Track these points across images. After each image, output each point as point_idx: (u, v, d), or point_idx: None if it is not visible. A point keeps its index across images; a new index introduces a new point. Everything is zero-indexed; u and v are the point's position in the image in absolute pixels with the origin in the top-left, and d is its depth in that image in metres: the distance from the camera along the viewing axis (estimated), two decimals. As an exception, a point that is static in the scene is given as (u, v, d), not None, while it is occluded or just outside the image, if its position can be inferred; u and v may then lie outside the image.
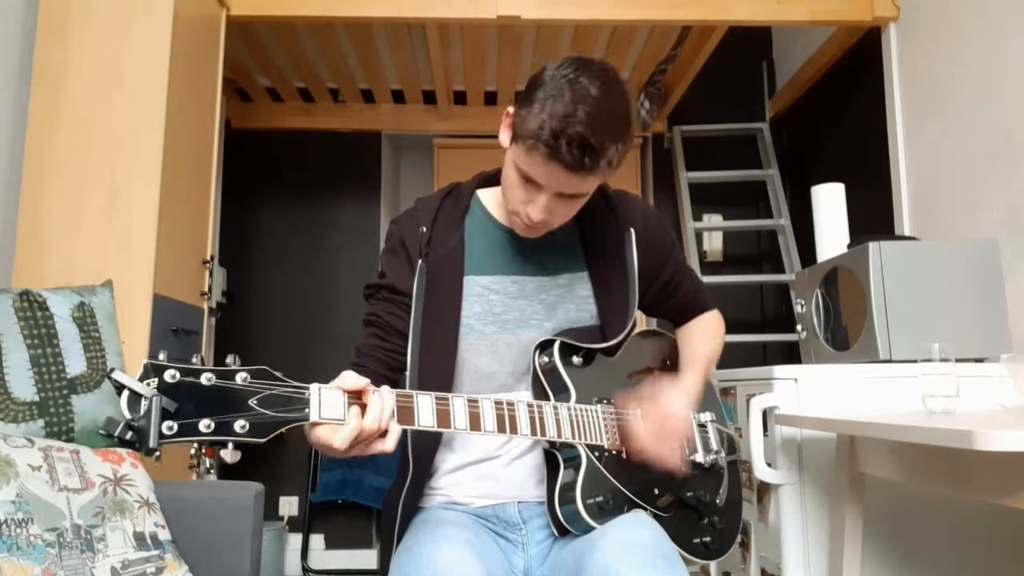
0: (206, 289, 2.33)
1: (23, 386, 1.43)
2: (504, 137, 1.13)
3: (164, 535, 1.43)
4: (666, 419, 1.12)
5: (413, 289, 1.17)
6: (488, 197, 1.27)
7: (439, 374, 1.14)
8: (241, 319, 3.81)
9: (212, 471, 2.38)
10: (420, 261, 1.18)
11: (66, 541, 1.28)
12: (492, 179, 1.29)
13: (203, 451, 2.24)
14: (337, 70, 3.64)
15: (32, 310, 1.48)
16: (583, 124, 0.99)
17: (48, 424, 1.43)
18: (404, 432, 0.95)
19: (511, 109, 1.11)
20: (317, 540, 3.72)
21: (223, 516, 1.53)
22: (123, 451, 1.50)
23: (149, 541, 1.39)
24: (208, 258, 2.36)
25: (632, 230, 1.26)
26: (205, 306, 2.33)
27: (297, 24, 3.06)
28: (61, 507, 1.30)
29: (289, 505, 3.72)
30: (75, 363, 1.50)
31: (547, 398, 1.13)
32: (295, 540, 3.65)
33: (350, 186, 4.00)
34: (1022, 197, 2.01)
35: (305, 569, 3.58)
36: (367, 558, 3.71)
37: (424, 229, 1.20)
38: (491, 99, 3.98)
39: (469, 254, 1.21)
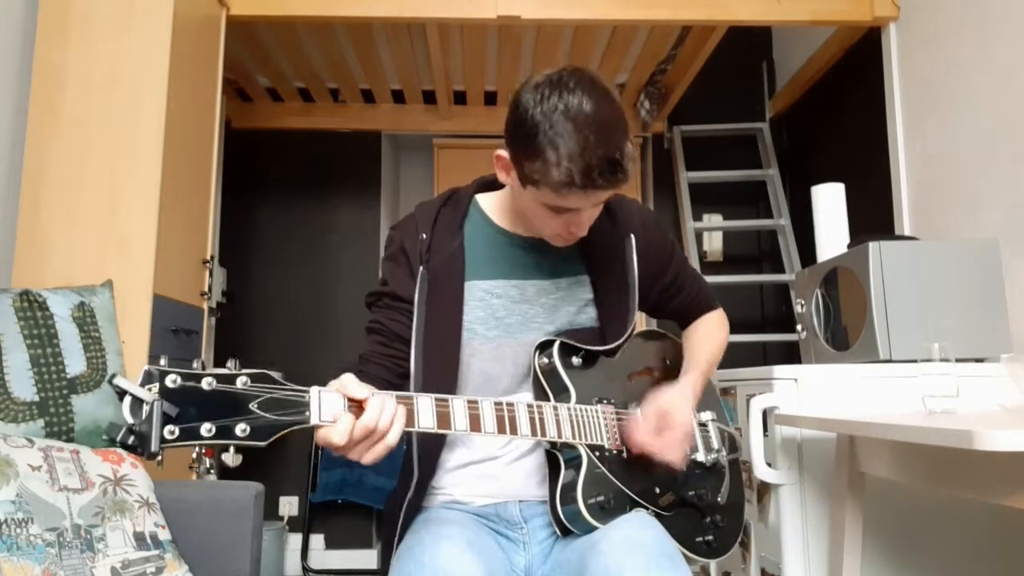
0: (206, 289, 2.33)
1: (23, 386, 1.43)
2: (507, 178, 1.13)
3: (164, 535, 1.43)
4: (666, 413, 1.12)
5: (415, 296, 1.17)
6: (487, 202, 1.26)
7: (442, 379, 1.14)
8: (241, 319, 3.81)
9: (212, 471, 2.38)
10: (421, 268, 1.18)
11: (66, 541, 1.28)
12: (491, 184, 1.28)
13: (203, 451, 2.24)
14: (337, 70, 3.64)
15: (32, 310, 1.48)
16: (602, 146, 0.99)
17: (48, 424, 1.43)
18: (408, 436, 0.96)
19: (504, 154, 1.09)
20: (317, 540, 3.72)
21: (223, 516, 1.53)
22: (123, 451, 1.50)
23: (149, 541, 1.39)
24: (208, 258, 2.36)
25: (632, 235, 1.26)
26: (205, 306, 2.33)
27: (297, 24, 3.06)
28: (61, 507, 1.30)
29: (289, 505, 3.72)
30: (75, 363, 1.50)
31: (547, 399, 1.13)
32: (295, 540, 3.65)
33: (350, 186, 4.00)
34: (1022, 197, 2.01)
35: (305, 569, 3.58)
36: (367, 558, 3.71)
37: (424, 235, 1.20)
38: (491, 99, 3.98)
39: (470, 259, 1.20)
